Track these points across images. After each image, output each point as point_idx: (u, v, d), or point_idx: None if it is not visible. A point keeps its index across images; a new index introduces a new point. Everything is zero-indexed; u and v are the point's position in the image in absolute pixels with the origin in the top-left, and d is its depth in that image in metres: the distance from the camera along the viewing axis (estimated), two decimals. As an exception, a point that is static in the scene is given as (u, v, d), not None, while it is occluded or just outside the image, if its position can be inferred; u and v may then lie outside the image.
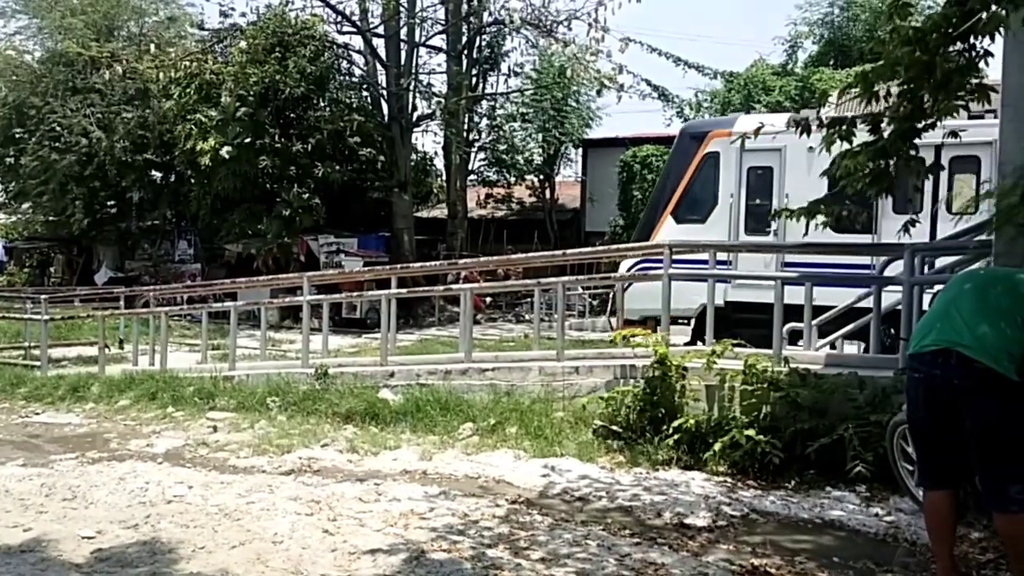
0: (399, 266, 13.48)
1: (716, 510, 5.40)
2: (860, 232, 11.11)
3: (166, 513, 5.31)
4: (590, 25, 18.73)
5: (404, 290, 11.24)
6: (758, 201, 12.21)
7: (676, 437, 6.47)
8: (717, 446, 6.15)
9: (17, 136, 23.42)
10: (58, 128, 21.91)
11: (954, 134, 5.86)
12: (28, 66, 23.87)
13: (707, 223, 12.49)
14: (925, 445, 4.18)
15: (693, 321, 12.14)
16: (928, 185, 10.61)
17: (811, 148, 10.47)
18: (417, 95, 23.70)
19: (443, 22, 23.23)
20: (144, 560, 4.46)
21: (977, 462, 3.89)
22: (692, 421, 6.49)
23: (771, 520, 5.30)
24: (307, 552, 4.57)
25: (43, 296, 12.38)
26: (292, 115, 20.40)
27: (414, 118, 23.18)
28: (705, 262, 10.04)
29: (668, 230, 12.65)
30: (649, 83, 24.35)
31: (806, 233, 8.31)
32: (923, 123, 5.26)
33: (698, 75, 25.02)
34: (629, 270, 12.56)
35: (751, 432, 6.08)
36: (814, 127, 5.73)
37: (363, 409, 8.09)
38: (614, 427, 6.97)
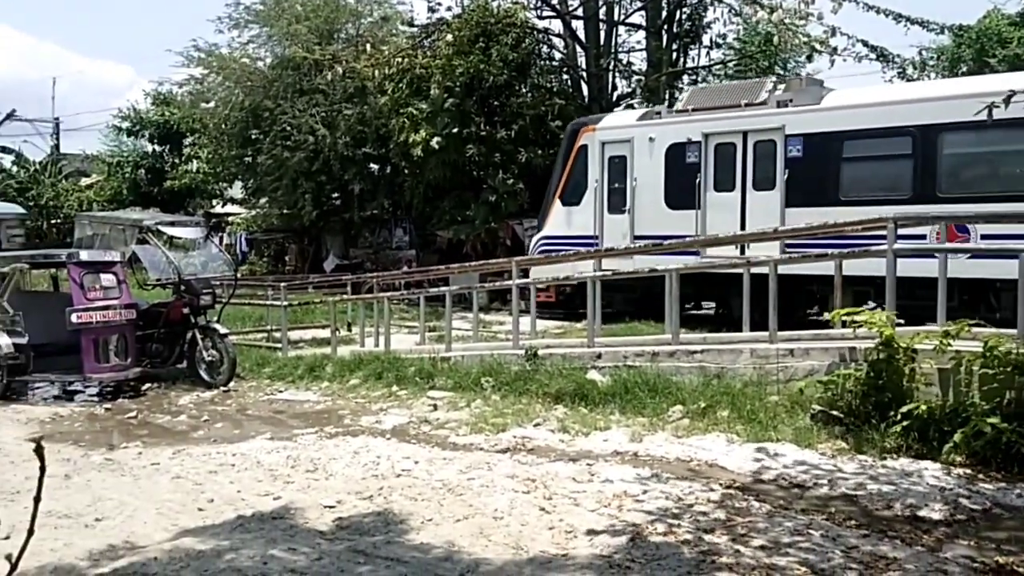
0: (603, 249, 13.55)
1: (954, 503, 5.03)
2: (687, 208, 13.57)
3: (396, 486, 5.70)
4: (799, -13, 17.80)
5: (609, 272, 11.29)
6: (616, 185, 14.62)
7: (905, 424, 6.07)
8: (958, 436, 5.70)
9: (253, 137, 25.63)
10: (288, 128, 23.76)
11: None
12: (260, 72, 26.00)
13: (581, 204, 15.08)
14: None
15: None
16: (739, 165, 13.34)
17: (651, 138, 14.16)
18: (617, 74, 23.56)
19: (642, -1, 22.91)
20: (379, 529, 4.82)
21: None
22: (924, 407, 6.06)
23: (1018, 515, 4.87)
24: (526, 529, 4.74)
25: (282, 284, 13.54)
26: (496, 103, 20.93)
27: (614, 98, 23.06)
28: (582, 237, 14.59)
29: (556, 211, 15.67)
30: (866, 44, 22.61)
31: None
32: None
33: (922, 31, 23.01)
34: (536, 244, 15.98)
35: (994, 420, 5.59)
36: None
37: (572, 390, 8.23)
38: (834, 412, 6.65)
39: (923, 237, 9.69)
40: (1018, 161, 11.14)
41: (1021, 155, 11.04)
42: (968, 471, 5.64)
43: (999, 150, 11.31)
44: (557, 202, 15.67)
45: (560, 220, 15.54)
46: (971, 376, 6.23)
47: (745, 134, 13.22)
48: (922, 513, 4.87)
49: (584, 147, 15.09)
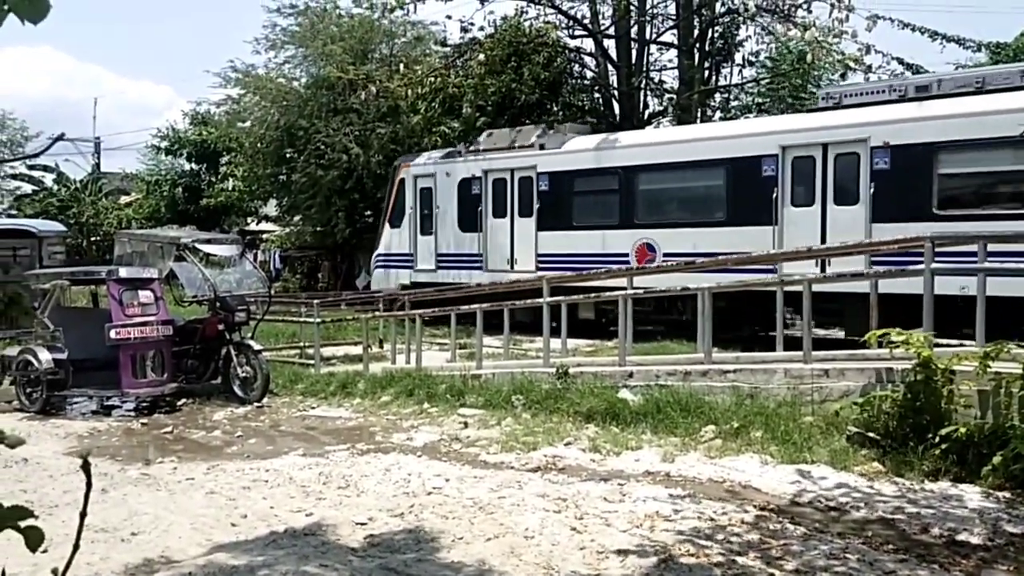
0: (634, 267, 13.50)
1: (993, 527, 4.94)
2: (474, 231, 16.82)
3: (427, 504, 5.71)
4: (832, 5, 17.66)
5: (641, 290, 11.25)
6: (425, 211, 17.71)
7: (944, 446, 5.97)
8: (997, 459, 5.59)
9: (288, 156, 25.91)
10: (322, 147, 24.02)
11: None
12: (296, 92, 26.30)
13: (402, 227, 18.16)
14: None
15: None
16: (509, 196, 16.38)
17: (447, 174, 17.46)
18: (648, 93, 23.58)
19: (674, 17, 22.93)
20: (410, 547, 4.83)
21: None
22: (962, 430, 5.95)
23: (1061, 542, 4.75)
24: (557, 549, 4.72)
25: (315, 300, 13.66)
26: (527, 121, 21.03)
27: (646, 116, 23.09)
28: (402, 255, 18.26)
29: (387, 233, 18.71)
30: (901, 61, 22.44)
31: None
32: None
33: (959, 48, 22.73)
34: (374, 261, 19.26)
35: (1034, 443, 5.48)
36: None
37: (603, 409, 8.20)
38: (871, 434, 6.55)
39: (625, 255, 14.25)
40: (687, 194, 14.35)
41: (689, 190, 14.31)
42: (1008, 495, 5.52)
43: (675, 186, 14.49)
44: (387, 225, 18.75)
45: (389, 240, 18.72)
46: (1011, 398, 6.12)
47: (513, 171, 16.23)
48: (961, 537, 4.79)
49: (403, 180, 18.19)
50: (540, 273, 14.40)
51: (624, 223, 14.61)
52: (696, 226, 13.68)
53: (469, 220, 16.93)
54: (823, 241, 12.33)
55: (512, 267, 16.05)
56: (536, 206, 15.85)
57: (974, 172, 11.64)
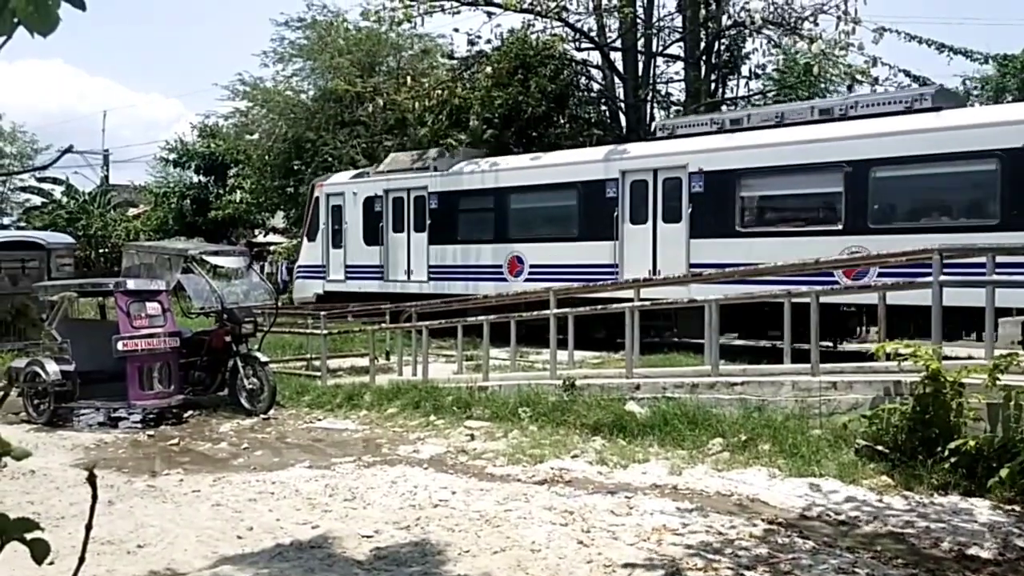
0: (642, 278, 13.50)
1: (1003, 541, 4.90)
2: (376, 245, 18.34)
3: (433, 516, 5.69)
4: (839, 18, 17.71)
5: (648, 302, 11.25)
6: (336, 227, 19.23)
7: (953, 460, 5.92)
8: (1004, 472, 5.56)
9: (295, 168, 26.02)
10: (330, 159, 24.11)
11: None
12: (303, 104, 26.44)
13: (317, 241, 19.65)
14: None
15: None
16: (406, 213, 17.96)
17: (354, 193, 19.07)
18: (655, 105, 23.59)
19: (680, 30, 22.96)
20: (416, 560, 4.81)
21: None
22: (972, 443, 5.91)
23: (1073, 557, 4.70)
24: (564, 562, 4.70)
25: (322, 312, 13.67)
26: (534, 134, 21.06)
27: (652, 128, 23.06)
28: (317, 266, 19.69)
29: (306, 246, 20.25)
30: (908, 74, 22.43)
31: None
32: None
33: (966, 61, 22.71)
34: (295, 272, 20.90)
35: (1045, 457, 5.44)
36: None
37: (610, 421, 8.17)
38: (879, 447, 6.52)
39: (500, 266, 16.23)
40: (547, 213, 16.33)
41: (549, 209, 16.27)
42: (1018, 508, 5.48)
43: (538, 206, 16.38)
44: (306, 239, 20.34)
45: (307, 253, 20.19)
46: (1020, 411, 6.08)
47: (409, 190, 17.93)
48: (971, 551, 4.75)
49: (318, 198, 19.72)
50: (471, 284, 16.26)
51: (498, 238, 16.40)
52: (555, 240, 15.61)
53: (372, 235, 18.47)
54: (655, 255, 14.14)
55: (409, 278, 17.78)
56: (428, 222, 17.52)
57: (769, 195, 13.49)
